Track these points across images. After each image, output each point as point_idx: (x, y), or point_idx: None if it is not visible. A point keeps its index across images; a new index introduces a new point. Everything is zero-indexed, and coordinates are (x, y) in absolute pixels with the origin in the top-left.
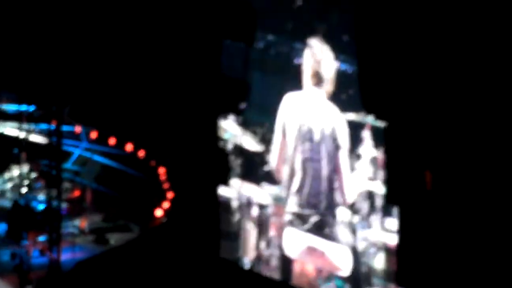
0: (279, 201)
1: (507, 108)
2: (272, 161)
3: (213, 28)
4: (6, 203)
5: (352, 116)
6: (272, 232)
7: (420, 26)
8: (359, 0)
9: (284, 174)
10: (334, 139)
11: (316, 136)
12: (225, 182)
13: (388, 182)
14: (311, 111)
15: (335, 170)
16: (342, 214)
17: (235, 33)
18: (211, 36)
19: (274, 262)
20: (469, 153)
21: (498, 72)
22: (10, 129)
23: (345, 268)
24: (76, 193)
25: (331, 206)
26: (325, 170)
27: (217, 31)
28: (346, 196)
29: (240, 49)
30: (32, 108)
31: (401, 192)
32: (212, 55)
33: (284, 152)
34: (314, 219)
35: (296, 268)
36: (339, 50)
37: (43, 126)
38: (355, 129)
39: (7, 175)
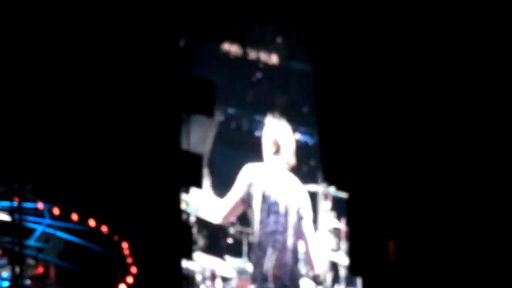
0: (243, 274)
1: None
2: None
3: (172, 102)
4: None
5: (314, 187)
6: None
7: (378, 98)
8: (319, 71)
9: (247, 246)
10: (298, 210)
11: (281, 209)
12: (188, 255)
13: (351, 253)
14: (273, 183)
15: (299, 240)
16: (305, 285)
17: (195, 106)
18: (170, 110)
19: None
20: (432, 222)
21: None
22: None
23: None
24: (40, 269)
25: (295, 277)
26: (290, 242)
27: (176, 105)
28: (313, 266)
29: (201, 121)
30: None
31: (364, 263)
32: (172, 129)
33: (236, 211)
34: None
35: None
36: (299, 121)
37: (5, 203)
38: (317, 200)
39: None
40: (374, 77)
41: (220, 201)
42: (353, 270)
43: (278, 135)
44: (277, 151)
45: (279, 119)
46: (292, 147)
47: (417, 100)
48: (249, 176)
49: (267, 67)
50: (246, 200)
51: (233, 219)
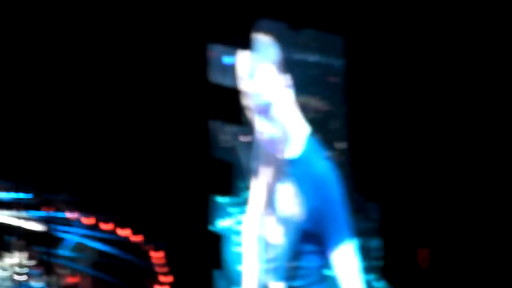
0: None
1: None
2: None
3: (202, 110)
4: None
5: None
6: None
7: (410, 106)
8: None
9: None
10: None
11: None
12: (219, 265)
13: (383, 260)
14: None
15: None
16: None
17: (223, 114)
18: (201, 118)
19: None
20: (465, 229)
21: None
22: (6, 217)
23: None
24: (73, 279)
25: None
26: None
27: (206, 113)
28: None
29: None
30: (28, 196)
31: (396, 271)
32: (202, 137)
33: None
34: None
35: None
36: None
37: (38, 213)
38: None
39: (3, 263)
40: (404, 85)
41: None
42: (386, 277)
43: None
44: None
45: None
46: None
47: (452, 109)
48: None
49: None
50: None
51: None
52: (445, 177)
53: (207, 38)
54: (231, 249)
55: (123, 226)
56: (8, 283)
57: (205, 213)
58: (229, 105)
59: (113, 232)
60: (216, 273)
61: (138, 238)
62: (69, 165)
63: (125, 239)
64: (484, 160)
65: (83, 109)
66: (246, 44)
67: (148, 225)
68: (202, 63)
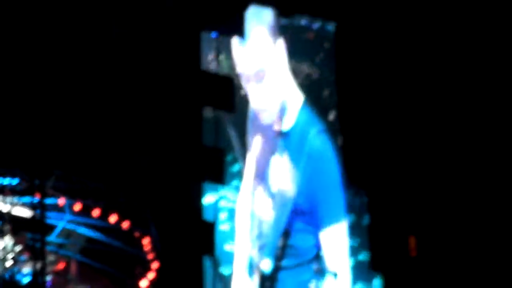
0: None
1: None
2: None
3: (193, 97)
4: None
5: None
6: None
7: (397, 93)
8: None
9: None
10: None
11: None
12: (210, 251)
13: (372, 249)
14: None
15: None
16: None
17: (215, 102)
18: (192, 105)
19: None
20: (454, 217)
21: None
22: None
23: None
24: (61, 265)
25: None
26: None
27: (197, 100)
28: None
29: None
30: (15, 181)
31: (385, 259)
32: (193, 124)
33: None
34: None
35: None
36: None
37: (26, 199)
38: None
39: None
40: (393, 74)
41: None
42: (374, 266)
43: None
44: None
45: None
46: None
47: (439, 94)
48: None
49: None
50: None
51: None
52: (436, 162)
53: (200, 24)
54: (218, 228)
55: (111, 212)
56: None
57: (194, 199)
58: (221, 91)
59: (101, 218)
60: (205, 259)
61: (126, 224)
62: (58, 150)
63: (114, 225)
64: (474, 147)
65: (73, 94)
66: (239, 29)
67: (137, 211)
68: (195, 50)
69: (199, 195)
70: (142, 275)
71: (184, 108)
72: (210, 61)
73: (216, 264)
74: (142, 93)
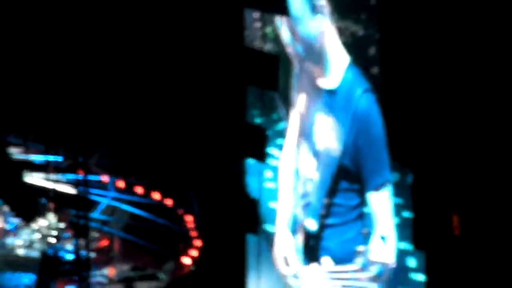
0: None
1: None
2: None
3: (237, 75)
4: (35, 253)
5: None
6: None
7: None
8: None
9: None
10: None
11: None
12: (254, 229)
13: (415, 227)
14: None
15: None
16: None
17: (259, 80)
18: (236, 83)
19: None
20: (498, 196)
21: None
22: (38, 180)
23: None
24: (104, 242)
25: None
26: None
27: (241, 77)
28: None
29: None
30: (59, 158)
31: (428, 237)
32: (237, 101)
33: None
34: None
35: None
36: None
37: (70, 176)
38: None
39: (34, 225)
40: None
41: None
42: (417, 244)
43: None
44: None
45: None
46: None
47: (489, 67)
48: None
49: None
50: None
51: None
52: (483, 139)
53: (243, 1)
54: (263, 185)
55: (155, 189)
56: (40, 245)
57: (238, 176)
58: (266, 69)
59: (145, 195)
60: (249, 237)
61: (169, 202)
62: (102, 128)
63: (158, 202)
64: None
65: (117, 72)
66: (282, 7)
67: (180, 188)
68: (239, 28)
69: (242, 172)
70: (185, 252)
71: (228, 86)
72: (254, 38)
73: (261, 222)
74: (186, 72)
